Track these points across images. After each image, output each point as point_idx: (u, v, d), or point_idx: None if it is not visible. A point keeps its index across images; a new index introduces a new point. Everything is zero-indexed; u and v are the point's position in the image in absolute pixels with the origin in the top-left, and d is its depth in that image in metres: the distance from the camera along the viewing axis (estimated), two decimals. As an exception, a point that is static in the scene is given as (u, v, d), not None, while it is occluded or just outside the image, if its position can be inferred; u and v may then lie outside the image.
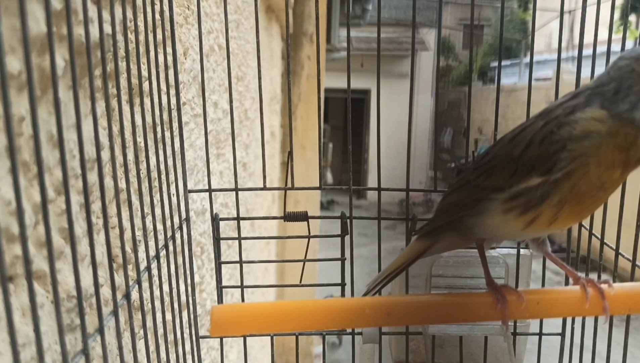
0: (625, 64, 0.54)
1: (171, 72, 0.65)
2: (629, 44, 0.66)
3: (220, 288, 0.76)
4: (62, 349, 0.34)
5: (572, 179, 0.52)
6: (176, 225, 0.68)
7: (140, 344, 0.56)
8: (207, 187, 0.73)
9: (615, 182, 0.54)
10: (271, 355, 0.78)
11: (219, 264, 0.75)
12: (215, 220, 0.72)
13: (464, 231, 0.61)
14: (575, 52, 0.73)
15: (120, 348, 0.45)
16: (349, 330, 0.76)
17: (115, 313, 0.45)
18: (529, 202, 0.55)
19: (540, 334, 0.79)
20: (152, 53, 0.58)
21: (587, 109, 0.53)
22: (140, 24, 0.55)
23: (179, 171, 0.68)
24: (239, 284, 0.78)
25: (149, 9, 0.57)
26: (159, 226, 0.61)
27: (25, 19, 0.30)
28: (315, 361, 3.52)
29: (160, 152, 0.60)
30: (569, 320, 0.78)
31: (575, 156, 0.52)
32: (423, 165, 10.74)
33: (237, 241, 0.76)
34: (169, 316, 0.65)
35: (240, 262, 0.76)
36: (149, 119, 0.55)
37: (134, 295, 0.52)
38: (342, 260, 0.75)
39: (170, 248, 0.64)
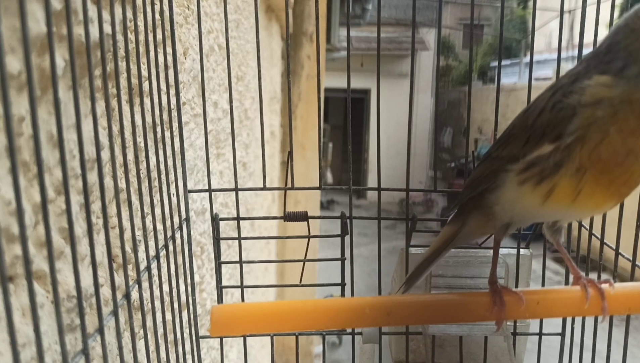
0: (622, 19, 0.53)
1: (171, 72, 0.65)
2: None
3: (220, 288, 0.76)
4: (62, 349, 0.34)
5: (588, 145, 0.50)
6: (176, 225, 0.68)
7: (140, 344, 0.56)
8: (207, 187, 0.73)
9: None
10: (271, 355, 0.78)
11: (219, 264, 0.75)
12: (215, 220, 0.72)
13: (487, 212, 0.60)
14: (575, 52, 0.73)
15: (120, 348, 0.45)
16: (349, 330, 0.76)
17: (115, 313, 0.45)
18: (543, 171, 0.53)
19: (540, 334, 0.79)
20: (152, 53, 0.58)
21: (593, 76, 0.52)
22: (140, 24, 0.55)
23: (179, 171, 0.68)
24: (239, 284, 0.78)
25: (149, 9, 0.57)
26: (159, 226, 0.61)
27: (25, 19, 0.30)
28: (315, 361, 3.52)
29: (160, 152, 0.60)
30: (569, 320, 0.78)
31: (589, 122, 0.50)
32: (423, 165, 10.74)
33: (237, 241, 0.76)
34: (169, 316, 0.65)
35: (240, 262, 0.76)
36: (149, 119, 0.55)
37: (134, 295, 0.52)
38: (342, 260, 0.75)
39: (170, 248, 0.64)
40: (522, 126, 0.57)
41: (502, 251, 0.75)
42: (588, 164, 0.51)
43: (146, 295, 0.54)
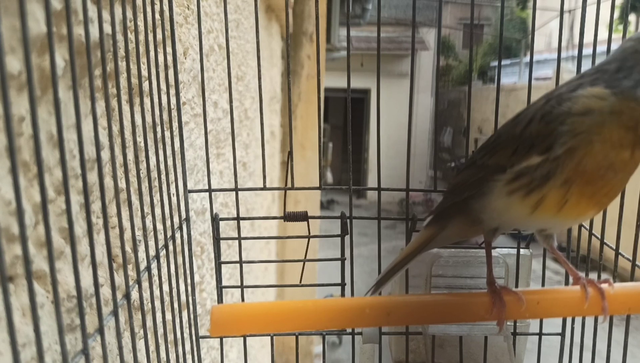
0: (629, 46, 0.53)
1: (171, 72, 0.65)
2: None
3: (220, 288, 0.76)
4: (62, 349, 0.34)
5: (576, 157, 0.51)
6: (176, 225, 0.68)
7: (140, 344, 0.56)
8: (207, 187, 0.73)
9: (627, 163, 0.52)
10: (271, 355, 0.78)
11: (219, 264, 0.75)
12: (215, 220, 0.72)
13: (472, 218, 0.60)
14: (575, 52, 0.73)
15: (120, 348, 0.45)
16: (349, 330, 0.76)
17: (115, 313, 0.45)
18: (532, 182, 0.53)
19: (540, 334, 0.79)
20: (152, 53, 0.58)
21: (589, 87, 0.52)
22: (140, 24, 0.55)
23: (179, 171, 0.68)
24: (239, 284, 0.78)
25: (149, 9, 0.57)
26: (159, 226, 0.61)
27: (25, 19, 0.30)
28: (315, 361, 3.52)
29: (160, 152, 0.60)
30: (569, 320, 0.78)
31: (576, 132, 0.51)
32: (423, 165, 10.73)
33: (237, 241, 0.76)
34: (169, 316, 0.65)
35: (240, 262, 0.76)
36: (149, 119, 0.55)
37: (134, 295, 0.52)
38: (342, 259, 0.75)
39: (170, 248, 0.64)
40: (509, 135, 0.57)
41: (502, 251, 0.75)
42: (574, 176, 0.51)
43: (146, 295, 0.54)
